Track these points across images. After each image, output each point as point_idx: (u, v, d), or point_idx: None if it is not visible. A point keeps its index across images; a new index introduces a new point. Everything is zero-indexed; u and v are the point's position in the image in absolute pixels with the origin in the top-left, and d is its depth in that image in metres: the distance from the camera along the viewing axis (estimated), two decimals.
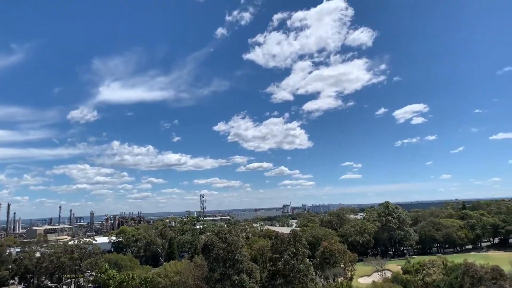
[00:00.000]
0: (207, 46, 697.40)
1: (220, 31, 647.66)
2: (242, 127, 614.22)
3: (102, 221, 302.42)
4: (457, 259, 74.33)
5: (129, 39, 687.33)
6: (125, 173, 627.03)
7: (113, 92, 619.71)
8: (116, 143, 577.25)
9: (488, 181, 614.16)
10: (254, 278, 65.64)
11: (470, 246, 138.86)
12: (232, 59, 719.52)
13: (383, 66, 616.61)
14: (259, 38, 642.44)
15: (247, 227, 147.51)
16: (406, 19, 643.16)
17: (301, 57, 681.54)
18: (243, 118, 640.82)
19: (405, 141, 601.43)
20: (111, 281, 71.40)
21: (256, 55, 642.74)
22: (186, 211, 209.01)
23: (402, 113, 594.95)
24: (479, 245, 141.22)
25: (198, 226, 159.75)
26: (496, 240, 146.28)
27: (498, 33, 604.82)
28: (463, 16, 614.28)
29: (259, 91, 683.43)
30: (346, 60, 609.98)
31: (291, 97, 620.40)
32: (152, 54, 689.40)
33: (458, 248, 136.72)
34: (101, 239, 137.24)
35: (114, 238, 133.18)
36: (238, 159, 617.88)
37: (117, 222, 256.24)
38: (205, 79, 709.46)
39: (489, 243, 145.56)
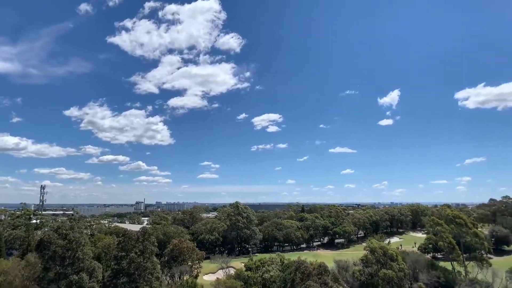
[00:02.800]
0: (67, 21, 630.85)
1: (84, 7, 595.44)
2: (98, 115, 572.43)
3: None
4: (293, 256, 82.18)
5: None
6: None
7: None
8: None
9: (324, 188, 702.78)
10: (95, 277, 61.72)
11: (304, 245, 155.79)
12: (95, 40, 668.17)
13: (248, 74, 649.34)
14: (127, 23, 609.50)
15: (93, 223, 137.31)
16: (273, 34, 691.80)
17: (171, 51, 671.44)
18: (101, 105, 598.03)
19: (260, 146, 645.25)
20: None
21: (122, 40, 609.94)
22: (21, 203, 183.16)
23: (260, 121, 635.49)
24: (312, 244, 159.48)
25: (34, 221, 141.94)
26: (326, 240, 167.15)
27: (344, 60, 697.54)
28: (318, 42, 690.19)
29: (122, 79, 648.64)
30: (214, 62, 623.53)
31: (156, 90, 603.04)
32: None
33: (294, 246, 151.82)
34: None
35: None
36: (90, 149, 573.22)
37: None
38: (61, 57, 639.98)
39: (319, 243, 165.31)
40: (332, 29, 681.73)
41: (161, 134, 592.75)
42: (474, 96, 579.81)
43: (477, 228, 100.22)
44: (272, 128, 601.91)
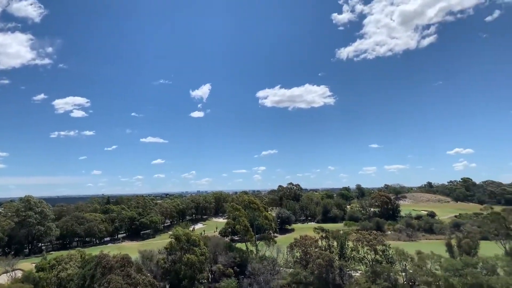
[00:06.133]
0: None
1: None
2: None
3: None
4: (95, 251, 77.95)
5: None
6: None
7: None
8: None
9: (133, 178, 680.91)
10: None
11: (109, 238, 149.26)
12: None
13: (50, 49, 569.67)
14: None
15: None
16: (83, 8, 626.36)
17: None
18: None
19: (62, 133, 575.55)
20: None
21: None
22: None
23: (63, 104, 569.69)
24: (117, 236, 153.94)
25: None
26: (132, 231, 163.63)
27: (159, 48, 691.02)
28: (132, 26, 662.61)
29: None
30: (5, 30, 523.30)
31: None
32: None
33: (97, 240, 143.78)
34: None
35: None
36: None
37: None
38: None
39: (125, 234, 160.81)
40: (149, 18, 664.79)
41: None
42: (271, 96, 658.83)
43: (267, 211, 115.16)
44: (78, 113, 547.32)
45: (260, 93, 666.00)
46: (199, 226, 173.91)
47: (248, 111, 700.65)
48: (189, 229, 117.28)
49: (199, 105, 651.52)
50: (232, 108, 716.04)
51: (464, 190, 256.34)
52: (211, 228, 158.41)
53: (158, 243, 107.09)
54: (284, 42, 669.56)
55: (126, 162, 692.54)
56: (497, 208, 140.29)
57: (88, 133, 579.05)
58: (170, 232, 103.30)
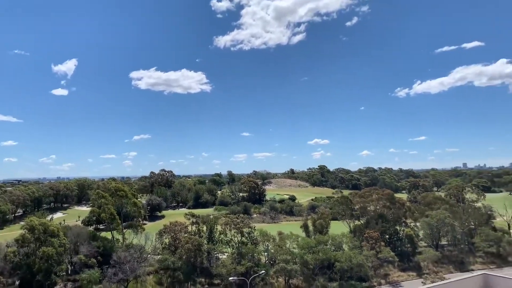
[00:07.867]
0: None
1: None
2: None
3: None
4: None
5: None
6: None
7: None
8: None
9: None
10: None
11: None
12: None
13: None
14: None
15: None
16: None
17: None
18: None
19: None
20: None
21: None
22: None
23: None
24: None
25: None
26: None
27: (15, 16, 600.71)
28: None
29: None
30: None
31: None
32: None
33: None
34: None
35: None
36: None
37: None
38: None
39: None
40: None
41: None
42: (146, 78, 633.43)
43: (137, 198, 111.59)
44: None
45: (134, 74, 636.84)
46: (58, 215, 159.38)
47: (119, 92, 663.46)
48: (47, 218, 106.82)
49: (62, 82, 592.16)
50: (102, 88, 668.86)
51: (320, 176, 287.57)
52: (73, 217, 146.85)
53: (7, 235, 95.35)
54: (161, 23, 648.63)
55: None
56: (346, 192, 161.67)
57: None
58: (23, 223, 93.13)
